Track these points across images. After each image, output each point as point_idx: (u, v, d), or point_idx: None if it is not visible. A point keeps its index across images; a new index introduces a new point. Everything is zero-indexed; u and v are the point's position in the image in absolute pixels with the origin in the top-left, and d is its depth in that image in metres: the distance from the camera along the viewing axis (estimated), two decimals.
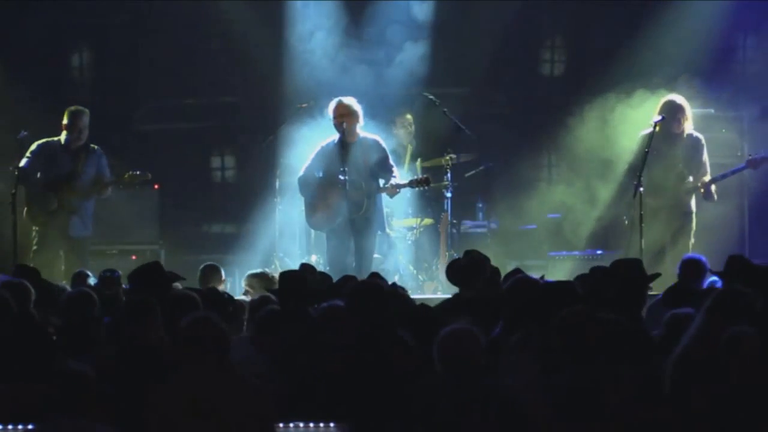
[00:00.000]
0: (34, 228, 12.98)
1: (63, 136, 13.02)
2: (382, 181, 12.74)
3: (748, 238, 13.97)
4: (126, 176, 13.10)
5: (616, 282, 7.94)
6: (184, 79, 16.48)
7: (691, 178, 12.65)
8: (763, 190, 14.16)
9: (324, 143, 12.82)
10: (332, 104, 12.71)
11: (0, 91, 14.91)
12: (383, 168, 12.71)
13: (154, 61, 16.58)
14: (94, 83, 17.13)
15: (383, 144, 12.84)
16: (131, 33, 16.86)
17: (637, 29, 15.38)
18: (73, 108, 13.06)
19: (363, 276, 11.24)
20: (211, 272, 10.67)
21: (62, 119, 13.05)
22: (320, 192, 12.77)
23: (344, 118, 12.58)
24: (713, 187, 12.69)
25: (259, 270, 11.01)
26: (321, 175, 12.75)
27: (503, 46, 15.94)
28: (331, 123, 12.67)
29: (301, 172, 12.95)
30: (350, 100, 12.69)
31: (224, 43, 16.00)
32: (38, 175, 12.92)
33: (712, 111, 14.65)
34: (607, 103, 14.58)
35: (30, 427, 6.21)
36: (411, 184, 12.80)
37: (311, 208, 12.90)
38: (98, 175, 13.09)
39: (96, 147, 13.12)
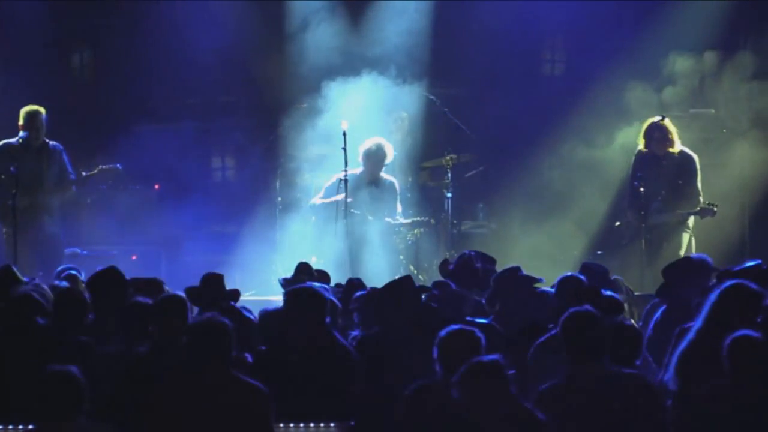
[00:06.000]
0: (4, 228, 12.85)
1: (20, 136, 12.94)
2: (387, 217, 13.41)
3: (748, 238, 13.97)
4: (96, 170, 13.03)
5: None
6: (183, 79, 16.46)
7: (679, 207, 12.64)
8: (763, 190, 14.16)
9: (342, 174, 13.15)
10: (372, 146, 13.32)
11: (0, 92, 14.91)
12: (392, 207, 13.48)
13: (154, 61, 16.56)
14: (94, 83, 17.11)
15: (397, 186, 13.58)
16: (131, 33, 16.84)
17: (638, 29, 15.38)
18: (28, 108, 13.03)
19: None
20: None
21: (18, 120, 12.99)
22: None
23: (378, 163, 13.34)
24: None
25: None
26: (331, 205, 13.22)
27: (503, 46, 15.93)
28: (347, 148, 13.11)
29: (314, 201, 13.49)
30: (389, 148, 13.35)
31: (223, 43, 15.97)
32: (2, 175, 12.79)
33: (712, 111, 14.65)
34: (607, 104, 14.60)
35: (30, 427, 6.20)
36: None
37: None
38: (61, 171, 13.02)
39: (55, 143, 13.04)
